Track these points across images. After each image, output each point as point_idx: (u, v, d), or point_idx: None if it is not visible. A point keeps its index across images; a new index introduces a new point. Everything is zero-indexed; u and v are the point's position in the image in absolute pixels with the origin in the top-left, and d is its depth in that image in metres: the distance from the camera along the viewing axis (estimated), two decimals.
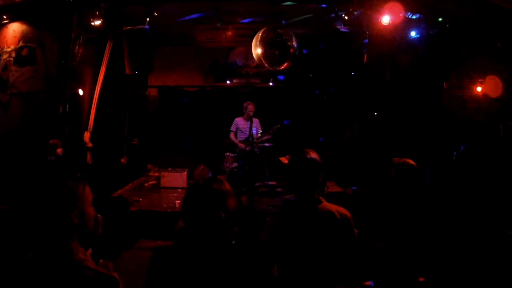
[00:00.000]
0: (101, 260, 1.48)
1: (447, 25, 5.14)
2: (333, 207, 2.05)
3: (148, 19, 5.44)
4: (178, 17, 6.22)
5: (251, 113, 6.31)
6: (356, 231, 2.08)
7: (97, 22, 5.30)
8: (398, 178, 2.84)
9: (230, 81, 8.73)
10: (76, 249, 1.36)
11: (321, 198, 2.06)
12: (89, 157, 5.74)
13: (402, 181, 2.82)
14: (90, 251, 1.50)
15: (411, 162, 2.86)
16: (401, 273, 2.63)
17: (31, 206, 1.37)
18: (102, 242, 1.63)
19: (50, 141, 4.82)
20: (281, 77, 7.79)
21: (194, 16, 6.11)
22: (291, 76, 8.19)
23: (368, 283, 2.14)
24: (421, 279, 2.65)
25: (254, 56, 5.90)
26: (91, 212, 1.47)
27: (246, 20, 6.61)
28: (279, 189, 6.56)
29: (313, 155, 2.04)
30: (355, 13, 5.41)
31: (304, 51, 6.92)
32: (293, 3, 5.64)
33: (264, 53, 5.68)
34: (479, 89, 5.22)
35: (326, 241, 1.97)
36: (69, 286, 1.27)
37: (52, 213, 1.35)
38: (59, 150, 4.78)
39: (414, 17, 5.22)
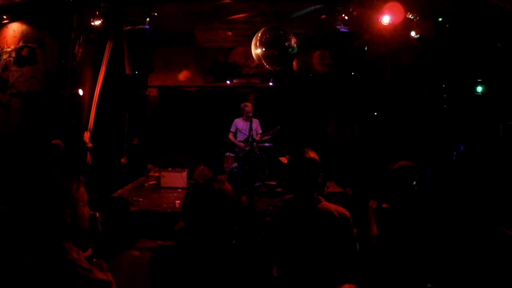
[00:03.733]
0: (94, 260, 1.48)
1: (447, 25, 5.13)
2: (332, 207, 2.05)
3: (148, 19, 5.44)
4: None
5: (250, 114, 6.30)
6: (355, 230, 2.08)
7: (97, 22, 5.29)
8: (398, 183, 2.76)
9: (230, 81, 8.72)
10: (70, 248, 1.36)
11: (320, 197, 2.06)
12: (89, 157, 5.74)
13: (403, 184, 2.76)
14: (90, 251, 1.50)
15: (407, 162, 2.80)
16: (401, 274, 2.62)
17: (25, 205, 1.37)
18: (102, 242, 1.64)
19: (52, 141, 4.82)
20: None
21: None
22: (291, 76, 8.19)
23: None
24: None
25: (254, 56, 5.90)
26: (85, 212, 1.47)
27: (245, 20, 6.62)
28: (279, 189, 6.55)
29: (312, 154, 2.04)
30: (355, 13, 5.41)
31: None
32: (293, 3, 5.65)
33: (264, 53, 5.68)
34: (479, 89, 5.22)
35: (325, 240, 1.97)
36: (62, 285, 1.27)
37: (45, 212, 1.36)
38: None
39: (414, 17, 5.21)
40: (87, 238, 1.46)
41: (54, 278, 1.27)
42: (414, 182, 2.68)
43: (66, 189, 1.40)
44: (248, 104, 6.45)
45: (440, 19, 5.15)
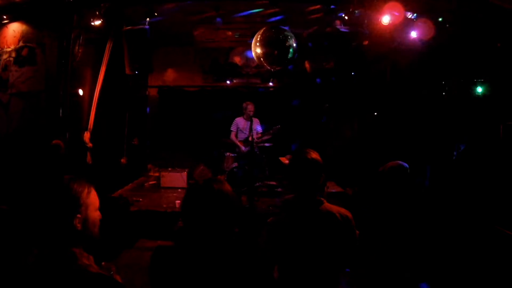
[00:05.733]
0: (103, 263, 1.45)
1: (447, 25, 5.13)
2: (334, 208, 2.03)
3: (148, 19, 5.44)
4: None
5: (251, 113, 6.33)
6: (357, 232, 2.07)
7: (97, 22, 5.29)
8: (390, 184, 2.71)
9: (230, 81, 8.72)
10: (80, 254, 1.33)
11: (322, 199, 2.05)
12: (89, 157, 5.74)
13: (395, 186, 2.70)
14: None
15: (397, 163, 2.76)
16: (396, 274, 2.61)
17: (32, 208, 1.34)
18: (102, 242, 1.62)
19: (52, 142, 4.82)
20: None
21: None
22: (291, 76, 8.19)
23: None
24: None
25: (254, 56, 5.89)
26: (97, 217, 1.43)
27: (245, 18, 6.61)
28: (279, 189, 6.56)
29: (314, 155, 2.03)
30: (355, 13, 5.41)
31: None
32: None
33: (264, 53, 5.67)
34: (479, 89, 5.22)
35: (327, 242, 1.97)
36: None
37: (53, 217, 1.32)
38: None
39: (414, 17, 5.21)
40: (98, 243, 1.42)
41: (63, 284, 1.25)
42: (416, 180, 2.64)
43: (77, 194, 1.36)
44: (250, 103, 6.47)
45: (440, 19, 5.15)
